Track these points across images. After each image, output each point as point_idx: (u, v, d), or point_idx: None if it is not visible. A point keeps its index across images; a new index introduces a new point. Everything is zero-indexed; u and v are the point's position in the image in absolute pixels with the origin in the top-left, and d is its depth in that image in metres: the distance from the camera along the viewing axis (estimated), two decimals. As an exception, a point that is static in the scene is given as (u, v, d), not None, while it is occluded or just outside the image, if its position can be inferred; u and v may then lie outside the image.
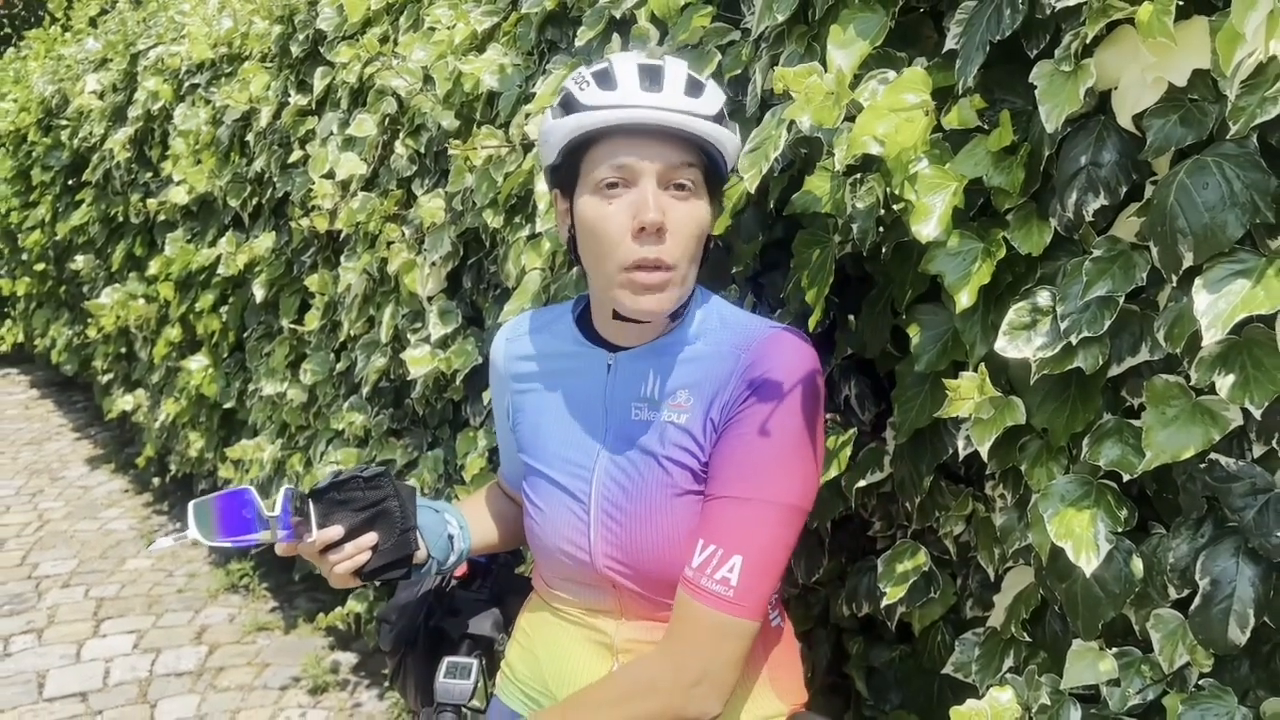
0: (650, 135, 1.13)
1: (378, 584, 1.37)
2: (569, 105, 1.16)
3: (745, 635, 1.13)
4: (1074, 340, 1.08)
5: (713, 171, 1.19)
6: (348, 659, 3.25)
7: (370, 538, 1.23)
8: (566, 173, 1.20)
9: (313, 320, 2.96)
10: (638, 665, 1.17)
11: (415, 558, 1.27)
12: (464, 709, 1.33)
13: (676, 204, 1.15)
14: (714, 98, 1.17)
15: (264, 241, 3.19)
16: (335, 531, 1.22)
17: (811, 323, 1.36)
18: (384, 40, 2.56)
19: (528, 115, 1.94)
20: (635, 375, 1.24)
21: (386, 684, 3.08)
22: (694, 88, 1.16)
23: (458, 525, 1.38)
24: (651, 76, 1.14)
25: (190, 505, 1.16)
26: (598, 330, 1.28)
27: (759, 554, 1.12)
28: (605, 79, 1.15)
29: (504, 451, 1.44)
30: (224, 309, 3.60)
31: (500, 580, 1.51)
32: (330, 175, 2.69)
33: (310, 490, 1.24)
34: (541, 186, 1.88)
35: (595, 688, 1.18)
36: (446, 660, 1.36)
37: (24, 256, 6.00)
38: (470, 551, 1.40)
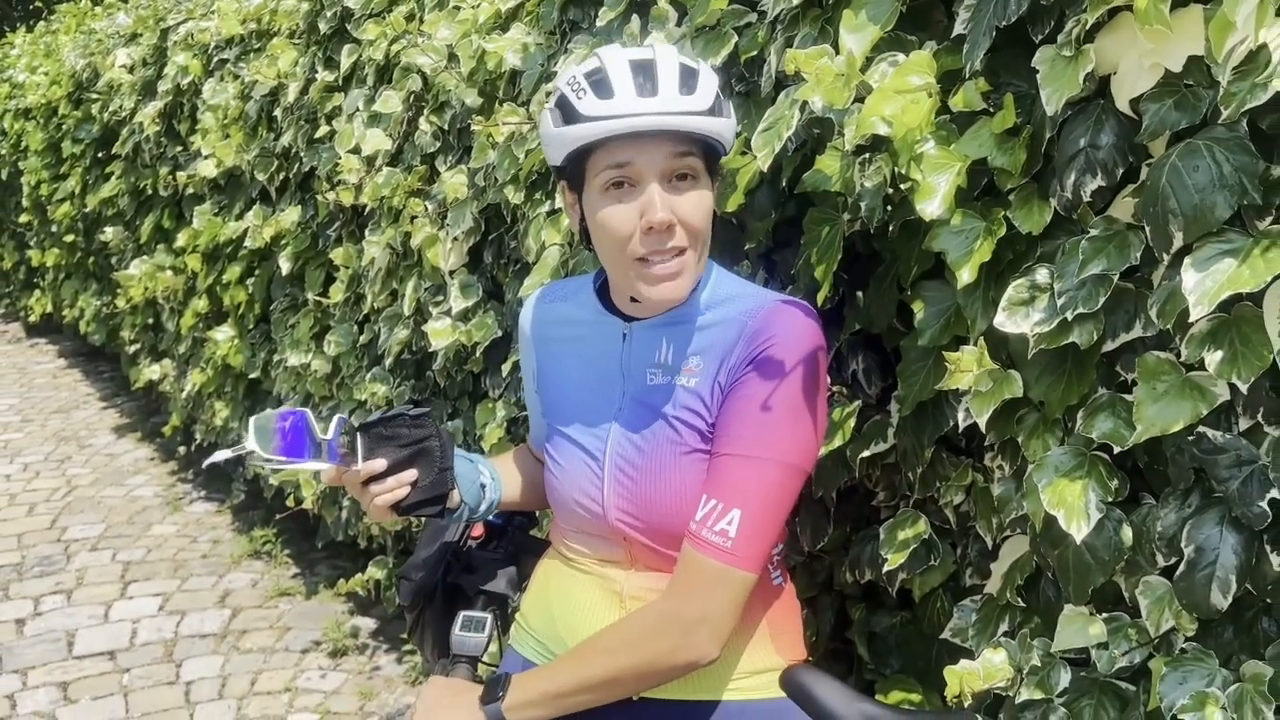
0: (650, 135, 1.18)
1: (411, 519, 1.42)
2: (568, 114, 1.20)
3: (742, 585, 1.19)
4: (1070, 316, 1.12)
5: (711, 154, 1.25)
6: (367, 624, 3.33)
7: (410, 474, 1.29)
8: (572, 173, 1.26)
9: (337, 293, 3.02)
10: (641, 612, 1.23)
11: (449, 499, 1.33)
12: (478, 661, 1.39)
13: (682, 197, 1.21)
14: (707, 88, 1.20)
15: (290, 215, 3.25)
16: (379, 464, 1.28)
17: (820, 298, 1.41)
18: (410, 18, 2.61)
19: (549, 94, 1.99)
20: (649, 343, 1.31)
21: (405, 648, 3.16)
22: (687, 83, 1.19)
23: (489, 476, 1.45)
24: (645, 78, 1.18)
25: (251, 420, 1.21)
26: (615, 303, 1.34)
27: (757, 509, 1.18)
28: (601, 86, 1.18)
29: (531, 415, 1.51)
30: (250, 281, 3.67)
31: (516, 541, 1.57)
32: (356, 150, 2.74)
33: (359, 424, 1.29)
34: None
35: (603, 634, 1.24)
36: (462, 614, 1.42)
37: (53, 228, 6.09)
38: (499, 503, 1.47)
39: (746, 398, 1.21)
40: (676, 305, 1.29)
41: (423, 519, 1.34)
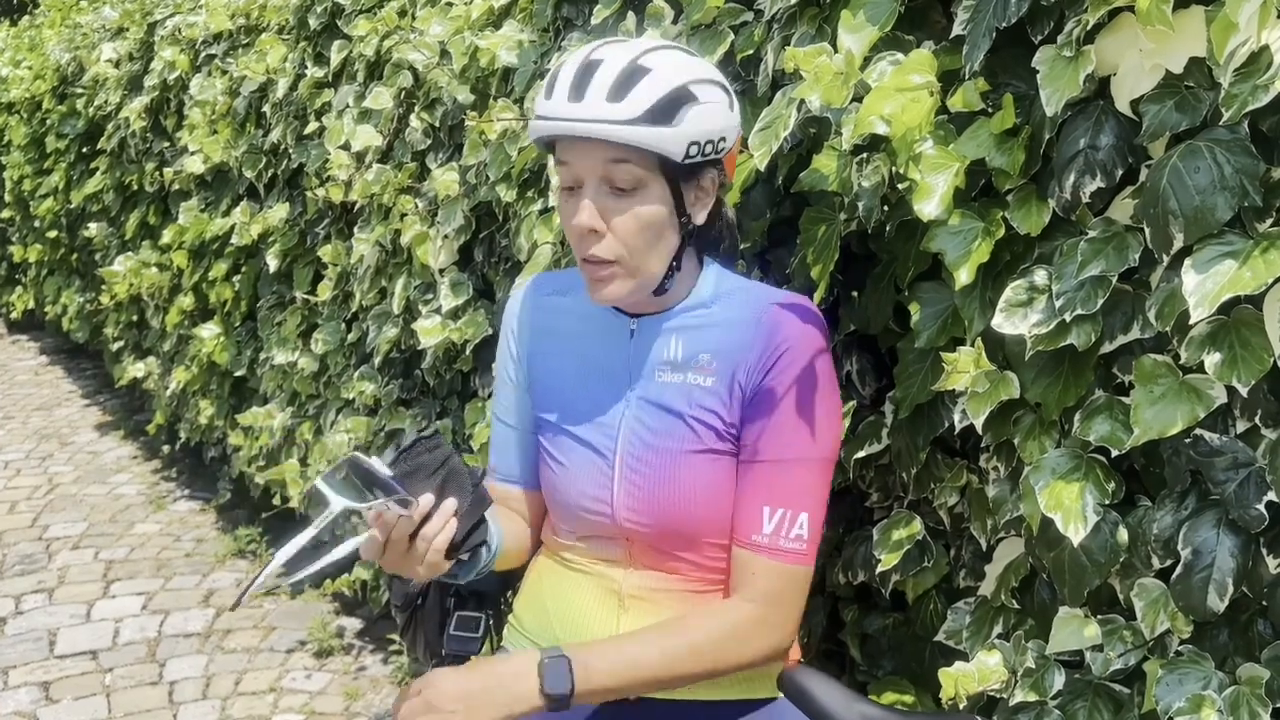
0: (583, 141, 1.18)
1: (465, 557, 1.20)
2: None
3: (810, 579, 1.26)
4: (1068, 318, 1.12)
5: (668, 162, 1.19)
6: (353, 624, 3.31)
7: (451, 503, 1.15)
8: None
9: (325, 290, 3.00)
10: (732, 615, 1.23)
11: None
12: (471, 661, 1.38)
13: (616, 204, 1.21)
14: (646, 94, 1.16)
15: (278, 212, 3.23)
16: (429, 499, 1.13)
17: (816, 298, 1.40)
18: (401, 14, 2.59)
19: (543, 91, 1.98)
20: (658, 340, 1.30)
21: (391, 648, 3.14)
22: (619, 91, 1.15)
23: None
24: (580, 82, 1.17)
25: (319, 484, 1.06)
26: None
27: (817, 507, 1.25)
28: (550, 86, 1.20)
29: (503, 426, 1.42)
30: (237, 278, 3.64)
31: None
32: (346, 147, 2.72)
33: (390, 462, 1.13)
34: (553, 162, 1.92)
35: (688, 630, 1.22)
36: (456, 615, 1.41)
37: (36, 224, 6.03)
38: (499, 553, 1.32)
39: (780, 400, 1.23)
40: (678, 301, 1.30)
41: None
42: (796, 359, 1.24)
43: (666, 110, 1.17)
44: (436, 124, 2.43)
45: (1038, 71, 1.12)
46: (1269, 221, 1.00)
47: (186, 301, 3.97)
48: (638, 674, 1.19)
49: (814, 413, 1.24)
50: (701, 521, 1.26)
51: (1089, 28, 1.08)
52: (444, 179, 2.31)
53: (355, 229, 2.79)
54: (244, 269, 3.61)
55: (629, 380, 1.31)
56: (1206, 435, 1.07)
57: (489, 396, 2.32)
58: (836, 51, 1.28)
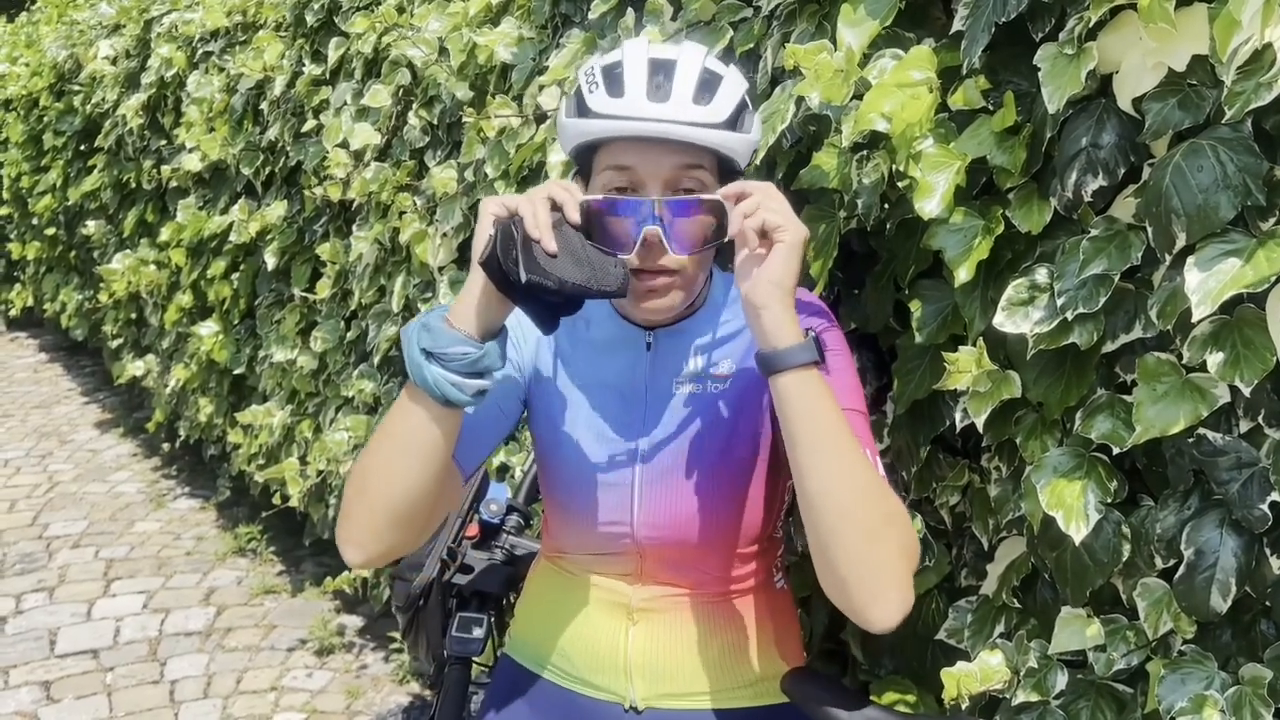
0: (657, 142, 1.11)
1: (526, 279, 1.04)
2: (580, 106, 1.15)
3: None
4: (1070, 317, 1.12)
5: (726, 167, 1.17)
6: (354, 622, 3.31)
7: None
8: (581, 166, 1.21)
9: (324, 289, 3.00)
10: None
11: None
12: (473, 663, 1.38)
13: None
14: (727, 99, 1.13)
15: (276, 210, 3.22)
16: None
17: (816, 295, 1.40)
18: (399, 11, 2.58)
19: (541, 87, 1.97)
20: (677, 351, 1.25)
21: (392, 646, 3.14)
22: (705, 91, 1.11)
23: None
24: (662, 78, 1.11)
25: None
26: (624, 310, 1.27)
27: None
28: (614, 82, 1.12)
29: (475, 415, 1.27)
30: (235, 276, 3.64)
31: (511, 541, 1.55)
32: (344, 145, 2.72)
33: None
34: (553, 159, 1.91)
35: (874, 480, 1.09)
36: (458, 616, 1.40)
37: (34, 221, 6.02)
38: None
39: (829, 368, 1.14)
40: (694, 310, 1.25)
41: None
42: (823, 338, 1.17)
43: (739, 116, 1.15)
44: (435, 121, 2.42)
45: (1039, 69, 1.11)
46: (1272, 220, 0.99)
47: (185, 299, 3.96)
48: (833, 423, 1.06)
49: (853, 376, 1.20)
50: (726, 530, 1.23)
51: (1091, 25, 1.07)
52: (442, 176, 2.31)
53: (354, 227, 2.78)
54: (242, 267, 3.60)
55: (646, 393, 1.25)
56: (1209, 435, 1.06)
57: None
58: (836, 49, 1.28)
